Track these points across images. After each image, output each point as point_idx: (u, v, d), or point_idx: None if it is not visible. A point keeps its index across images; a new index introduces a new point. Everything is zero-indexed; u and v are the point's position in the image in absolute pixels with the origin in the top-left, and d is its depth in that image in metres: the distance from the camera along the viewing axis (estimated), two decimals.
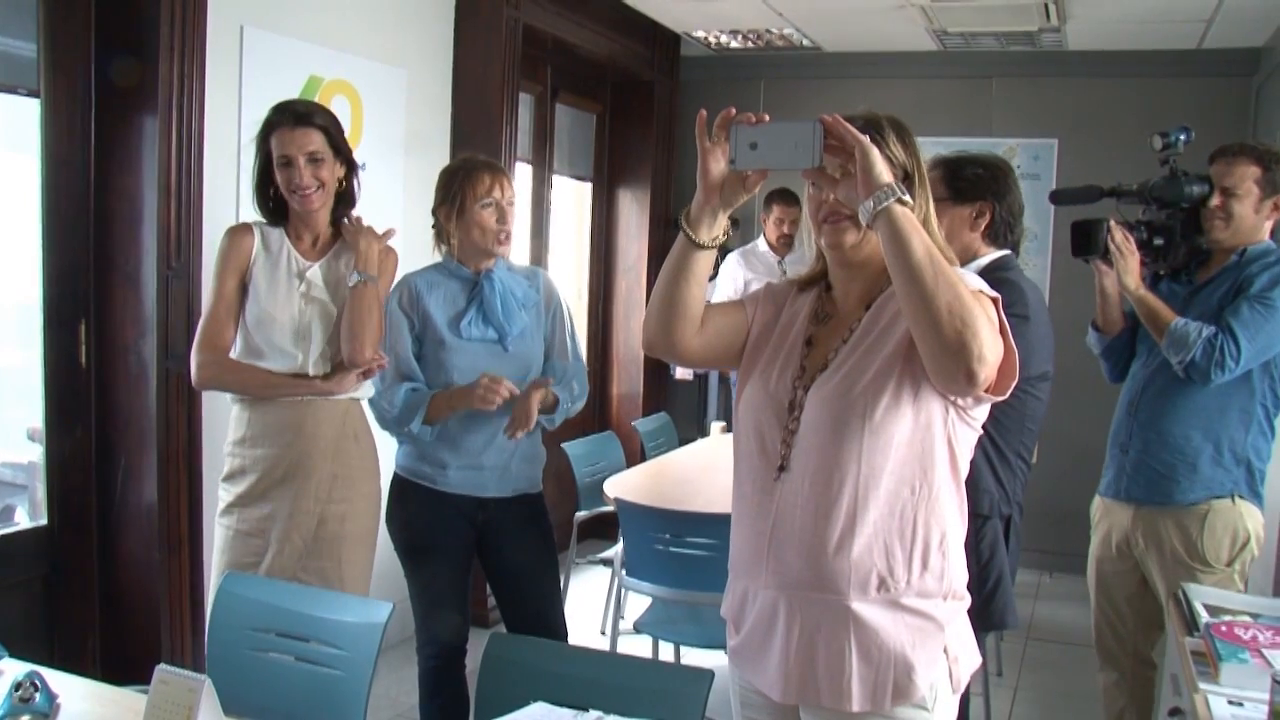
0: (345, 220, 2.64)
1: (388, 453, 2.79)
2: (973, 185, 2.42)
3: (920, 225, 1.51)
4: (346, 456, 2.63)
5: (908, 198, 1.50)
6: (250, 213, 2.67)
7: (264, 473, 2.55)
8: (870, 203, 1.50)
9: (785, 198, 5.16)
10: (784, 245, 5.25)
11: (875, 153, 1.51)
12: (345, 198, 2.64)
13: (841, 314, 1.76)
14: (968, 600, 1.70)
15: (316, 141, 2.53)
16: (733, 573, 1.80)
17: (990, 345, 1.48)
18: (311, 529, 2.57)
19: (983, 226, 2.42)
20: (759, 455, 1.72)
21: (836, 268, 1.76)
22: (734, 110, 1.57)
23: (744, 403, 1.79)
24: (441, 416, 2.66)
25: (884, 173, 1.51)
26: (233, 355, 2.57)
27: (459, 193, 2.69)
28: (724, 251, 4.93)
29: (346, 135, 2.67)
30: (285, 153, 2.51)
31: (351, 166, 2.63)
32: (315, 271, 2.59)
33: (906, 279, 1.48)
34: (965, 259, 2.39)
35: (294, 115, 2.53)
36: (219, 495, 2.63)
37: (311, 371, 2.57)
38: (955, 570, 1.67)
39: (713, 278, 5.01)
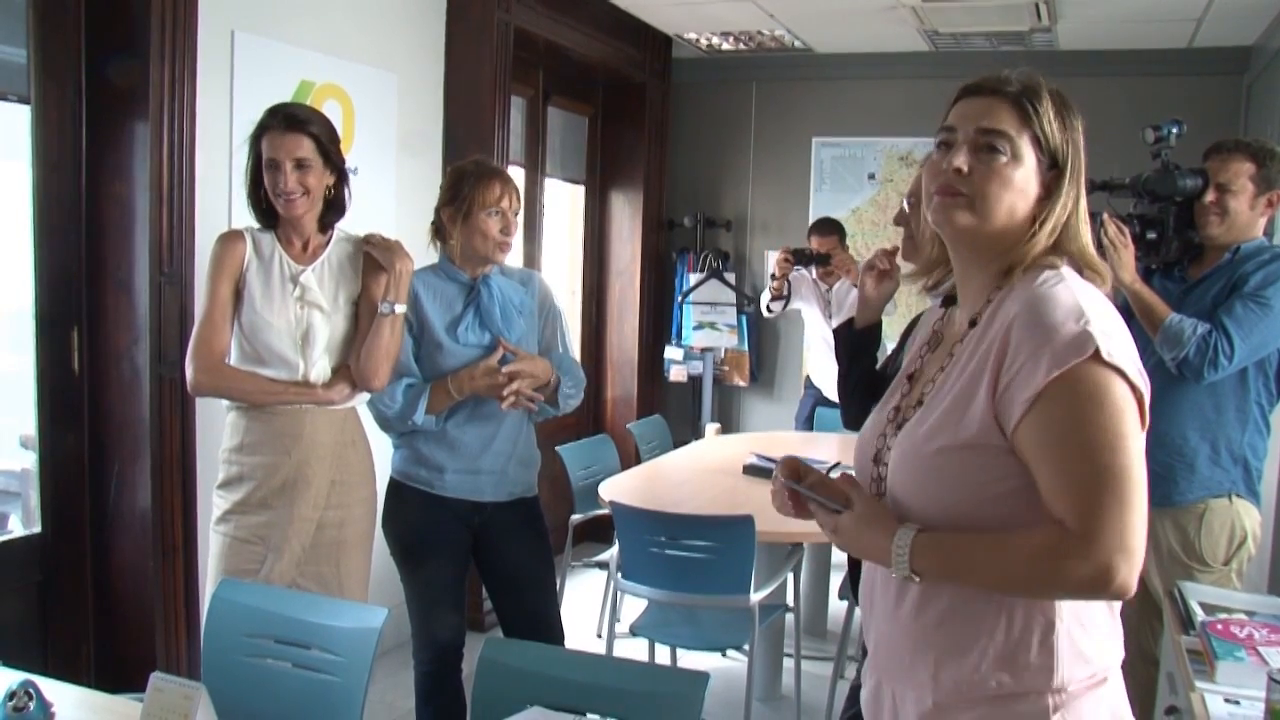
0: (370, 239, 2.62)
1: (383, 457, 2.78)
2: None
3: (950, 558, 1.29)
4: (345, 463, 2.63)
5: (903, 567, 1.29)
6: (243, 218, 2.66)
7: (263, 480, 2.54)
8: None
9: (820, 228, 5.01)
10: (826, 274, 5.05)
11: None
12: (335, 205, 2.63)
13: (949, 337, 1.43)
14: (1104, 683, 1.35)
15: (305, 148, 2.51)
16: None
17: (1125, 534, 1.19)
18: (310, 535, 2.57)
19: None
20: None
21: (955, 263, 1.42)
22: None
23: None
24: (443, 405, 2.66)
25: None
26: (231, 362, 2.55)
27: (468, 196, 2.68)
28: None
29: (339, 140, 2.65)
30: (273, 156, 2.50)
31: (342, 175, 2.62)
32: (309, 276, 2.58)
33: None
34: None
35: (285, 119, 2.52)
36: (214, 502, 2.61)
37: (313, 378, 2.56)
38: (1070, 664, 1.31)
39: (784, 298, 4.94)
